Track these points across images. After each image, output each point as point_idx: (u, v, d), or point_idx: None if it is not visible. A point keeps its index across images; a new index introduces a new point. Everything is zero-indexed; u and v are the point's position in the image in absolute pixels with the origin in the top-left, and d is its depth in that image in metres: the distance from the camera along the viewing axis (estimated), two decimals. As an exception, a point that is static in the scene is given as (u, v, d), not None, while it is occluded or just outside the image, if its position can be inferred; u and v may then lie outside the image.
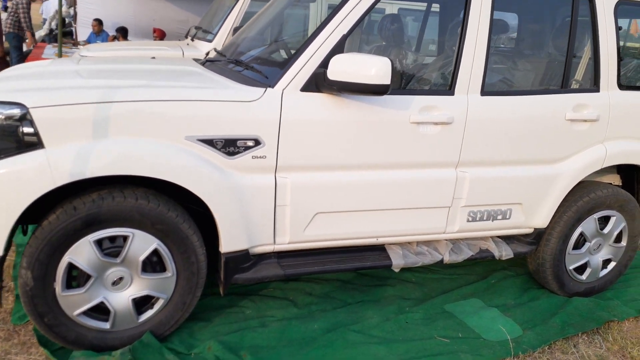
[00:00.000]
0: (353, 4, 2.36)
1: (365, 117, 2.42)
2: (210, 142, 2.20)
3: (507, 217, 2.91)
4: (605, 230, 3.16)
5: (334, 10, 2.38)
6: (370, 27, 4.05)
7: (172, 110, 2.13)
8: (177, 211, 2.25)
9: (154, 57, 3.08)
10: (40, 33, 10.27)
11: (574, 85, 2.94)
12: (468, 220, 2.83)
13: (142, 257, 2.23)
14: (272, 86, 2.31)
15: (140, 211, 2.17)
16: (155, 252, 2.27)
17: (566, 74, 2.82)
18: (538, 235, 3.04)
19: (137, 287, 2.29)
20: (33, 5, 8.94)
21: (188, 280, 2.36)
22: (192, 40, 5.27)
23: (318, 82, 2.31)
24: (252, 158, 2.28)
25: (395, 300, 3.00)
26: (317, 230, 2.54)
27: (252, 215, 2.36)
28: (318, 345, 2.51)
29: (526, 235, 3.07)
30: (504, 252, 2.96)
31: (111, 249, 2.21)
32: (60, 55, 5.97)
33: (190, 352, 2.37)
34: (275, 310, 2.77)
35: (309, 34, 2.39)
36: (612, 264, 3.30)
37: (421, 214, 2.72)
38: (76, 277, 2.21)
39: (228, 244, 2.35)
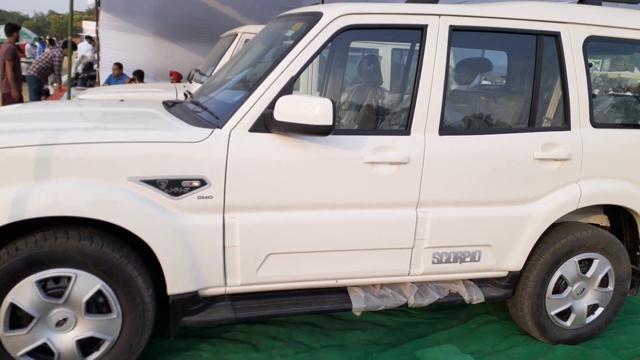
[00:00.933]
0: (302, 47, 2.38)
1: (317, 157, 2.40)
2: (153, 183, 2.21)
3: (477, 259, 2.80)
4: (588, 274, 3.00)
5: (283, 52, 2.41)
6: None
7: (113, 152, 2.16)
8: (122, 252, 2.25)
9: (122, 100, 3.17)
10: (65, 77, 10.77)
11: (544, 124, 2.86)
12: (433, 262, 2.73)
13: (85, 298, 2.23)
14: (221, 127, 2.33)
15: (82, 252, 2.18)
16: (101, 293, 2.26)
17: (533, 112, 2.75)
18: (513, 279, 2.91)
19: (81, 329, 2.28)
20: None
21: (134, 322, 2.33)
22: (190, 82, 5.42)
23: (267, 123, 2.31)
24: (198, 198, 2.28)
25: (363, 346, 2.90)
26: (271, 272, 2.49)
27: (200, 257, 2.34)
28: (269, 392, 2.42)
29: (500, 279, 2.94)
30: (475, 296, 2.84)
31: (55, 289, 2.22)
32: (68, 98, 6.22)
33: (135, 397, 2.32)
34: (234, 355, 2.71)
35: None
36: (599, 310, 3.12)
37: (382, 255, 2.64)
38: (20, 318, 2.22)
39: (174, 285, 2.33)
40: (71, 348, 2.27)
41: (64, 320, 2.25)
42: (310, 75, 4.08)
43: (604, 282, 3.08)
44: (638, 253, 3.14)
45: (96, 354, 2.33)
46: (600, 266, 3.01)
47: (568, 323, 3.06)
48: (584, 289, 3.04)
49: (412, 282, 2.84)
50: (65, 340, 2.26)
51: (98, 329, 2.29)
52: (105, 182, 2.16)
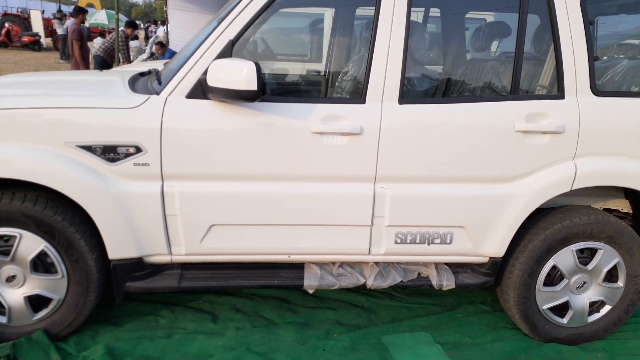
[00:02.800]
0: (240, 9, 2.26)
1: (259, 125, 2.29)
2: (89, 149, 2.24)
3: (448, 241, 2.54)
4: (590, 266, 2.62)
5: (223, 16, 2.31)
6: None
7: (50, 117, 2.20)
8: (65, 215, 2.31)
9: (101, 70, 3.24)
10: (143, 57, 11.37)
11: (531, 91, 2.50)
12: (396, 242, 2.52)
13: (30, 257, 2.33)
14: (158, 93, 2.29)
15: (25, 213, 2.26)
16: (46, 254, 2.35)
17: (515, 77, 2.40)
18: (494, 266, 2.62)
19: (29, 286, 2.38)
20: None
21: (79, 283, 2.40)
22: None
23: (203, 89, 2.23)
24: (134, 165, 2.27)
25: (327, 325, 2.77)
26: (215, 243, 2.44)
27: (140, 224, 2.34)
28: (207, 363, 2.40)
29: (481, 265, 2.66)
30: (445, 282, 2.59)
31: (4, 247, 2.33)
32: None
33: (79, 354, 2.40)
34: (189, 323, 2.71)
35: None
36: (606, 308, 2.72)
37: (338, 232, 2.48)
38: (-24, 272, 2.37)
39: (114, 250, 2.36)
40: (21, 303, 2.39)
41: (13, 277, 2.36)
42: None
43: (612, 277, 2.68)
44: (660, 245, 2.68)
45: (45, 311, 2.43)
46: (605, 258, 2.62)
47: (564, 320, 2.71)
48: (584, 283, 2.66)
49: (377, 262, 2.65)
50: (15, 295, 2.38)
51: (45, 287, 2.39)
52: (43, 146, 2.22)
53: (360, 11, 3.05)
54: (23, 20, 23.25)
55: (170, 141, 2.26)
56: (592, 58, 2.41)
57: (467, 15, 2.92)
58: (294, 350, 2.53)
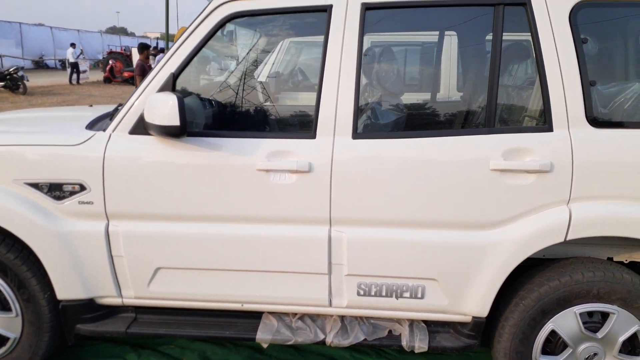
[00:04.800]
0: (182, 41, 2.16)
1: (200, 162, 2.15)
2: (36, 186, 2.23)
3: (419, 295, 2.21)
4: (600, 334, 2.15)
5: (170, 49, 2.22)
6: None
7: (0, 154, 2.22)
8: (18, 253, 2.31)
9: (91, 105, 3.28)
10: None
11: (511, 123, 2.13)
12: (359, 294, 2.24)
13: (-16, 295, 2.34)
14: (104, 129, 2.24)
15: (-22, 250, 2.29)
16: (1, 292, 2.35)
17: (490, 108, 2.06)
18: (477, 327, 2.23)
19: (-15, 324, 2.40)
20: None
21: (32, 323, 2.37)
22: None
23: (144, 124, 2.15)
24: (79, 203, 2.23)
25: (296, 381, 2.52)
26: (163, 287, 2.31)
27: (87, 264, 2.28)
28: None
29: (463, 325, 2.28)
30: (418, 343, 2.24)
31: (-36, 283, 2.37)
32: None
33: (31, 396, 2.36)
34: (151, 369, 2.58)
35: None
36: (627, 386, 2.21)
37: (294, 280, 2.26)
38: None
39: (62, 291, 2.31)
40: (-21, 340, 2.41)
41: (-30, 314, 2.39)
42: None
43: (631, 347, 2.17)
44: (697, 311, 2.14)
45: (2, 349, 2.43)
46: (619, 324, 2.14)
47: (572, 397, 2.23)
48: (596, 354, 2.18)
49: (343, 316, 2.37)
50: (-28, 332, 2.41)
51: (1, 325, 2.39)
52: (-6, 184, 2.24)
53: (313, 39, 2.86)
54: (125, 57, 25.44)
55: (112, 179, 2.19)
56: (587, 83, 2.00)
57: (432, 39, 2.61)
58: (248, 409, 2.31)
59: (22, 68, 17.06)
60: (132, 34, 66.96)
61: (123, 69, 23.42)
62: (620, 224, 2.01)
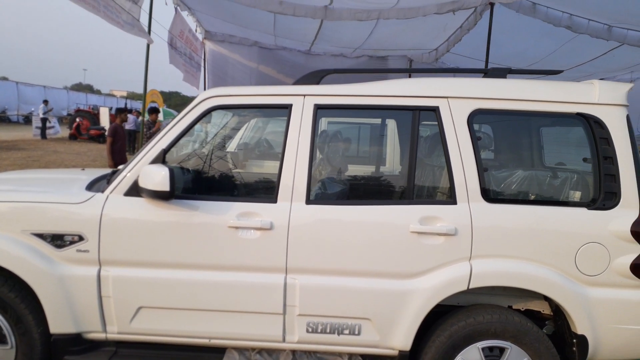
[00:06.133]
0: (174, 123, 2.75)
1: (183, 219, 2.67)
2: (41, 236, 2.68)
3: (356, 332, 2.73)
4: (498, 365, 2.71)
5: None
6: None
7: (11, 209, 2.69)
8: (18, 293, 2.72)
9: (83, 169, 3.78)
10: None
11: (427, 197, 2.77)
12: (308, 331, 2.74)
13: (-16, 329, 2.72)
14: (103, 191, 2.75)
15: (-17, 289, 2.69)
16: None
17: (410, 185, 2.70)
18: (404, 359, 2.75)
19: (-17, 354, 2.76)
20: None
21: (25, 354, 2.75)
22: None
23: (137, 188, 2.67)
24: (77, 251, 2.69)
25: (251, 410, 2.93)
26: (143, 324, 2.75)
27: (79, 303, 2.71)
28: None
29: (392, 358, 2.80)
30: (354, 373, 2.74)
31: (-34, 318, 2.75)
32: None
33: (16, 421, 2.68)
34: (125, 399, 2.95)
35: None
36: (524, 410, 2.74)
37: (254, 319, 2.74)
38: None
39: (55, 326, 2.71)
40: (-26, 371, 2.75)
41: (-30, 345, 2.75)
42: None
43: (525, 378, 2.73)
44: (573, 348, 2.74)
45: (-5, 379, 2.77)
46: (513, 357, 2.70)
47: (480, 420, 2.74)
48: (496, 382, 2.73)
49: (294, 351, 2.85)
50: (-31, 363, 2.75)
51: (-4, 356, 2.75)
52: (4, 233, 2.69)
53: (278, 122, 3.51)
54: (93, 115, 25.77)
55: (107, 231, 2.67)
56: (482, 168, 2.68)
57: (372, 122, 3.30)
58: None
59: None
60: (99, 92, 67.41)
61: (90, 127, 23.72)
62: (507, 277, 2.62)
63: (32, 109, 30.54)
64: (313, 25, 8.87)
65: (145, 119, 8.78)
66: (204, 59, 11.27)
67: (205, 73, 11.11)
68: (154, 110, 9.93)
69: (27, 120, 30.91)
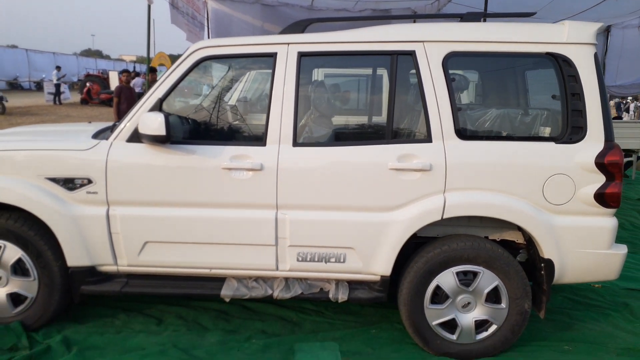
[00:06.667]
0: (168, 74, 2.97)
1: (181, 162, 2.93)
2: (54, 180, 2.97)
3: (342, 260, 3.01)
4: (471, 287, 2.97)
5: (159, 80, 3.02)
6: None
7: (27, 157, 2.97)
8: (37, 231, 3.03)
9: (90, 122, 4.03)
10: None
11: (405, 137, 2.98)
12: (298, 260, 3.02)
13: (11, 263, 3.05)
14: (107, 138, 3.01)
15: (7, 228, 3.01)
16: (23, 261, 3.06)
17: (389, 125, 2.91)
18: (384, 284, 3.03)
19: (11, 286, 3.10)
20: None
21: (47, 285, 3.08)
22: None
23: (138, 135, 2.93)
24: (87, 193, 2.97)
25: (252, 333, 3.26)
26: (150, 257, 3.06)
27: (91, 239, 3.02)
28: (137, 352, 2.95)
29: (375, 283, 3.08)
30: (340, 295, 3.04)
31: (-7, 254, 3.08)
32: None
33: (43, 342, 3.04)
34: (137, 325, 3.31)
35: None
36: (493, 327, 3.03)
37: (249, 250, 3.02)
38: (-26, 274, 3.12)
39: (71, 259, 3.03)
40: (4, 300, 3.09)
41: (-1, 278, 3.09)
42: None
43: (495, 298, 3.00)
44: (542, 272, 2.99)
45: (21, 307, 3.12)
46: (485, 280, 2.96)
47: (454, 336, 3.04)
48: (469, 303, 3.00)
49: (287, 278, 3.15)
50: (0, 293, 3.10)
51: (22, 287, 3.09)
52: (22, 178, 2.98)
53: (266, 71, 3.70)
54: (102, 80, 26.00)
55: (113, 175, 2.95)
56: (455, 108, 2.87)
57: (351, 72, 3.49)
58: (213, 348, 3.04)
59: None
60: (108, 57, 67.41)
61: (100, 91, 24.00)
62: (478, 207, 2.86)
63: (44, 76, 30.82)
64: (313, -22, 8.86)
65: (149, 81, 8.96)
66: (207, 19, 11.30)
67: (209, 33, 11.16)
68: (152, 71, 10.02)
69: (39, 86, 31.21)
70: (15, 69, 33.75)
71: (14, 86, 32.47)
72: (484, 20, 3.00)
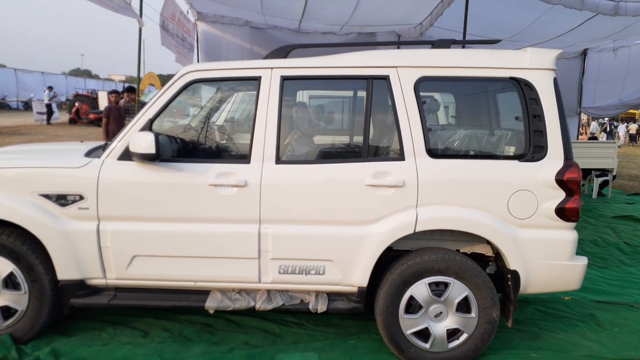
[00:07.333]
0: (158, 96, 3.16)
1: (169, 179, 3.10)
2: (47, 196, 3.11)
3: (321, 272, 3.17)
4: (443, 298, 3.15)
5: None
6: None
7: (22, 174, 3.12)
8: (29, 246, 3.16)
9: (82, 142, 4.19)
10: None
11: (379, 155, 3.18)
12: (280, 273, 3.18)
13: (2, 277, 3.17)
14: (99, 157, 3.17)
15: (1, 243, 3.14)
16: (14, 274, 3.18)
17: (365, 144, 3.11)
18: (361, 295, 3.19)
19: (1, 300, 3.20)
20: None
21: (37, 298, 3.20)
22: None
23: (129, 153, 3.09)
24: (79, 209, 3.12)
25: (236, 344, 3.39)
26: (137, 270, 3.19)
27: (81, 253, 3.15)
28: (125, 364, 3.07)
29: (352, 294, 3.24)
30: (320, 306, 3.19)
31: (-15, 269, 3.20)
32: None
33: (32, 354, 3.15)
34: (124, 337, 3.42)
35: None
36: (463, 336, 3.19)
37: (233, 264, 3.18)
38: (-34, 287, 3.22)
39: (62, 273, 3.16)
40: (-6, 313, 3.21)
41: (-10, 292, 3.20)
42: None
43: (466, 308, 3.17)
44: (509, 283, 3.18)
45: (11, 320, 3.23)
46: (455, 290, 3.14)
47: (427, 345, 3.19)
48: (441, 312, 3.17)
49: (269, 290, 3.29)
50: (-9, 307, 3.21)
51: (12, 301, 3.20)
52: (15, 194, 3.12)
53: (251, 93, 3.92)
54: (91, 100, 26.09)
55: (104, 191, 3.10)
56: (426, 129, 3.08)
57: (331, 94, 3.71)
58: (197, 359, 3.17)
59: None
60: (97, 77, 67.56)
61: (89, 111, 24.08)
62: (447, 221, 3.05)
63: (32, 95, 30.84)
64: (298, 2, 9.15)
65: (126, 101, 9.05)
66: (197, 40, 11.56)
67: (199, 54, 11.40)
68: (131, 90, 10.10)
69: (27, 106, 31.22)
70: (3, 88, 33.73)
71: (2, 106, 32.42)
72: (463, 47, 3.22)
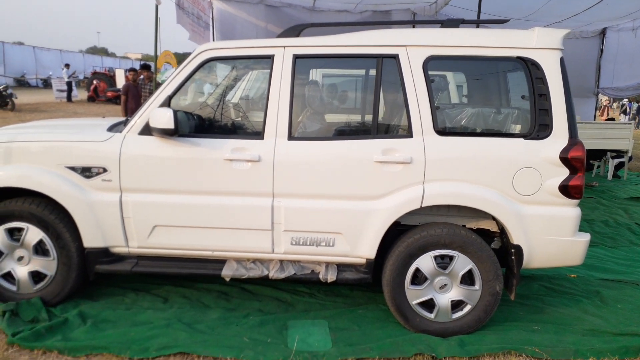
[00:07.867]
0: (176, 73, 3.29)
1: (187, 154, 3.25)
2: (73, 168, 3.30)
3: (331, 244, 3.32)
4: (448, 270, 3.28)
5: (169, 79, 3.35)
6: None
7: (47, 147, 3.30)
8: (56, 215, 3.36)
9: (104, 117, 4.36)
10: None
11: (389, 132, 3.30)
12: (292, 244, 3.34)
13: (33, 244, 3.38)
14: (121, 132, 3.34)
15: (31, 212, 3.34)
16: (44, 241, 3.39)
17: (374, 122, 3.23)
18: (369, 266, 3.34)
19: (32, 265, 3.42)
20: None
21: (65, 264, 3.41)
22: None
23: (149, 128, 3.25)
24: (102, 181, 3.30)
25: (248, 311, 3.58)
26: (158, 240, 3.38)
27: (105, 223, 3.35)
28: (146, 325, 3.28)
29: (361, 265, 3.40)
30: (329, 276, 3.35)
31: (16, 236, 3.41)
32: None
33: (61, 315, 3.37)
34: (146, 302, 3.63)
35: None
36: (467, 307, 3.33)
37: (247, 235, 3.34)
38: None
39: (87, 241, 3.36)
40: (26, 277, 3.42)
41: (22, 257, 3.42)
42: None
43: (470, 280, 3.31)
44: (512, 257, 3.30)
45: (41, 284, 3.45)
46: (460, 263, 3.27)
47: (432, 315, 3.34)
48: (446, 284, 3.31)
49: (282, 260, 3.46)
50: (22, 271, 3.43)
51: (42, 266, 3.42)
52: (45, 167, 3.30)
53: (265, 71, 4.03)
54: (109, 77, 26.38)
55: (125, 164, 3.27)
56: (434, 107, 3.18)
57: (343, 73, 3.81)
58: (214, 323, 3.36)
59: (8, 86, 17.97)
60: (113, 55, 68.01)
61: (107, 89, 24.39)
62: (453, 196, 3.17)
63: (51, 73, 31.23)
64: (313, -23, 9.17)
65: (141, 78, 9.21)
66: (212, 19, 11.62)
67: (214, 32, 11.47)
68: (146, 68, 10.27)
69: (46, 84, 31.68)
70: (22, 65, 34.22)
71: (21, 83, 32.92)
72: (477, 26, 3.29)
